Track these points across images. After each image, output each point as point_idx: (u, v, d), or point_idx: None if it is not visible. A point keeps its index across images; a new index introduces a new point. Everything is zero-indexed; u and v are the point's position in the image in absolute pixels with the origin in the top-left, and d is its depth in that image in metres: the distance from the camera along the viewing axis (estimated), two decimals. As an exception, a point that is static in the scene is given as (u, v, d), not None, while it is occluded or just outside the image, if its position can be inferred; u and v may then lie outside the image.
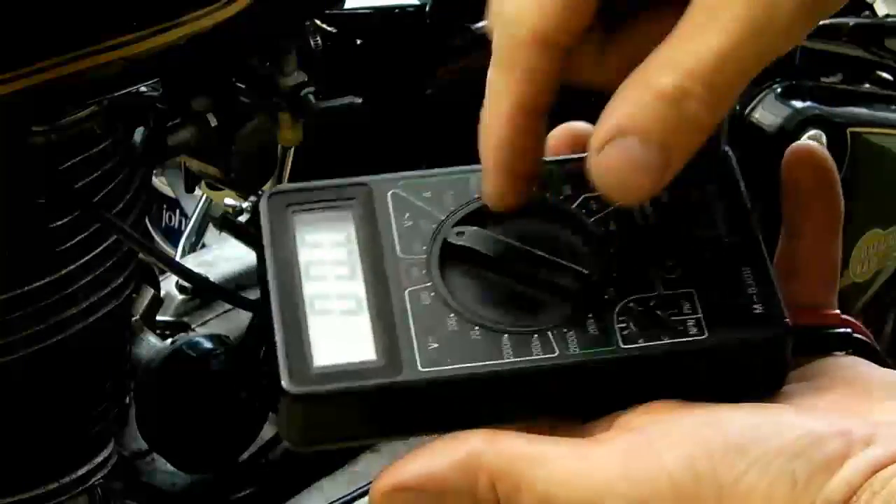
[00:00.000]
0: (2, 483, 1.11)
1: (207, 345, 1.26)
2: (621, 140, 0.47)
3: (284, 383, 0.49)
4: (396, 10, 1.36)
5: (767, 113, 1.64)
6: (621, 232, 0.53)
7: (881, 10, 1.88)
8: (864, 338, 0.54)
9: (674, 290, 0.51)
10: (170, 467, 1.30)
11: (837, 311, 0.54)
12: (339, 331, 0.50)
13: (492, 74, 0.50)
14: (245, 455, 1.32)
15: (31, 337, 1.03)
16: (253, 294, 1.43)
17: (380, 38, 1.35)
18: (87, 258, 1.05)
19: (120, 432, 1.25)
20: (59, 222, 1.03)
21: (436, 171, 0.55)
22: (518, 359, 0.49)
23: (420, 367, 0.49)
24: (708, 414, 0.47)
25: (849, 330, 0.53)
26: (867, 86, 1.82)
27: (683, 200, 0.53)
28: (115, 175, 1.07)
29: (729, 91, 0.47)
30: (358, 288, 0.51)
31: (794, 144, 0.54)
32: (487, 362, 0.49)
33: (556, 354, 0.49)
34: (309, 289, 0.51)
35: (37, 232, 1.03)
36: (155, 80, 1.12)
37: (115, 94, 1.02)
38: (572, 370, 0.49)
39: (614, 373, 0.49)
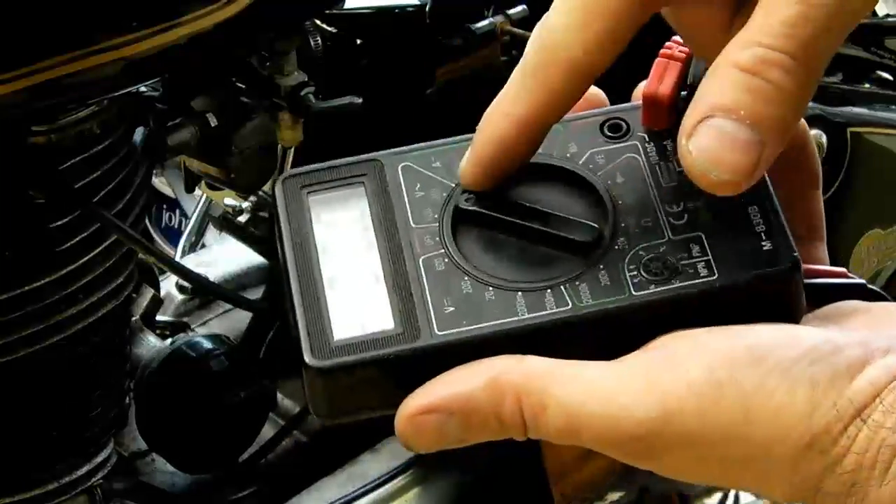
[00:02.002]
0: (2, 483, 1.11)
1: (207, 345, 1.26)
2: (711, 120, 0.47)
3: (306, 358, 0.50)
4: (396, 10, 1.36)
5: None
6: (628, 183, 0.53)
7: (881, 10, 1.88)
8: (878, 290, 0.54)
9: (682, 234, 0.51)
10: (170, 467, 1.30)
11: (842, 269, 0.54)
12: (356, 303, 0.51)
13: (517, 76, 0.51)
14: (245, 455, 1.32)
15: (31, 337, 1.03)
16: (253, 294, 1.43)
17: (380, 38, 1.35)
18: (87, 258, 1.05)
19: (120, 432, 1.25)
20: (59, 222, 1.03)
21: (444, 140, 0.56)
22: (533, 314, 0.50)
23: (437, 331, 0.50)
24: (726, 331, 0.48)
25: (863, 281, 0.54)
26: (867, 86, 1.82)
27: None
28: (115, 175, 1.07)
29: (808, 53, 0.47)
30: (374, 260, 0.52)
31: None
32: (503, 320, 0.50)
33: (569, 307, 0.50)
34: (326, 265, 0.52)
35: (37, 232, 1.03)
36: (155, 80, 1.12)
37: (115, 94, 1.02)
38: (586, 321, 0.50)
39: (628, 320, 0.50)
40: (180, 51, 0.99)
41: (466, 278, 0.51)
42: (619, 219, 0.52)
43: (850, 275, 0.54)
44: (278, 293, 1.39)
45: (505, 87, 0.51)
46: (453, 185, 0.54)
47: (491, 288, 0.51)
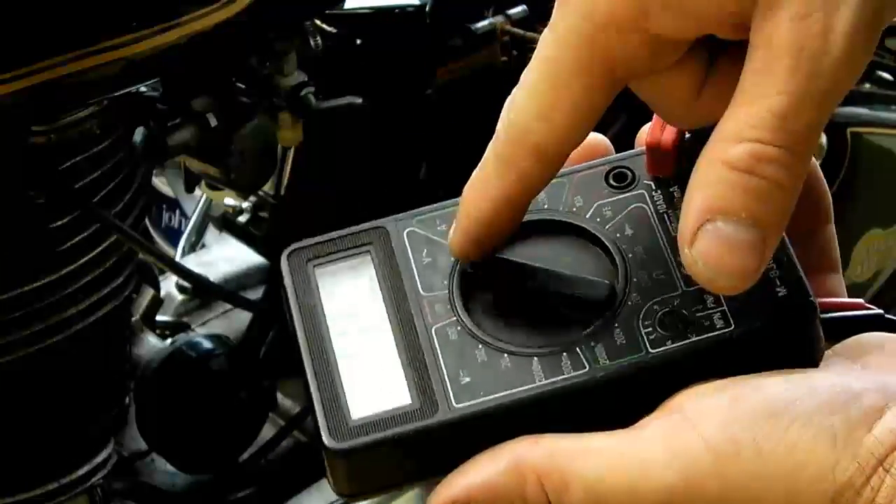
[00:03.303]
0: (2, 483, 1.11)
1: (207, 345, 1.26)
2: (710, 225, 0.46)
3: (325, 440, 0.50)
4: (396, 10, 1.36)
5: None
6: (637, 235, 0.52)
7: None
8: None
9: (695, 285, 0.50)
10: (170, 467, 1.30)
11: (860, 300, 0.54)
12: (372, 379, 0.51)
13: (489, 158, 0.51)
14: (245, 455, 1.32)
15: (31, 337, 1.03)
16: (253, 294, 1.43)
17: (380, 38, 1.35)
18: (87, 258, 1.05)
19: (120, 432, 1.25)
20: (59, 222, 1.03)
21: (447, 202, 0.55)
22: (550, 380, 0.50)
23: (455, 405, 0.50)
24: (741, 384, 0.48)
25: (881, 311, 0.53)
26: (867, 86, 1.82)
27: None
28: (115, 175, 1.07)
29: (801, 143, 0.46)
30: (386, 332, 0.52)
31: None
32: (520, 388, 0.50)
33: (587, 370, 0.50)
34: (338, 340, 0.52)
35: (37, 232, 1.03)
36: (155, 80, 1.12)
37: (115, 94, 1.02)
38: (605, 383, 0.49)
39: (647, 378, 0.49)
40: (180, 51, 1.00)
41: (480, 346, 0.51)
42: (631, 273, 0.51)
43: (867, 306, 0.53)
44: (278, 293, 1.39)
45: (481, 162, 0.51)
46: None
47: (506, 355, 0.50)
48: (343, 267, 0.54)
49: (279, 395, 1.39)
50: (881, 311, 0.53)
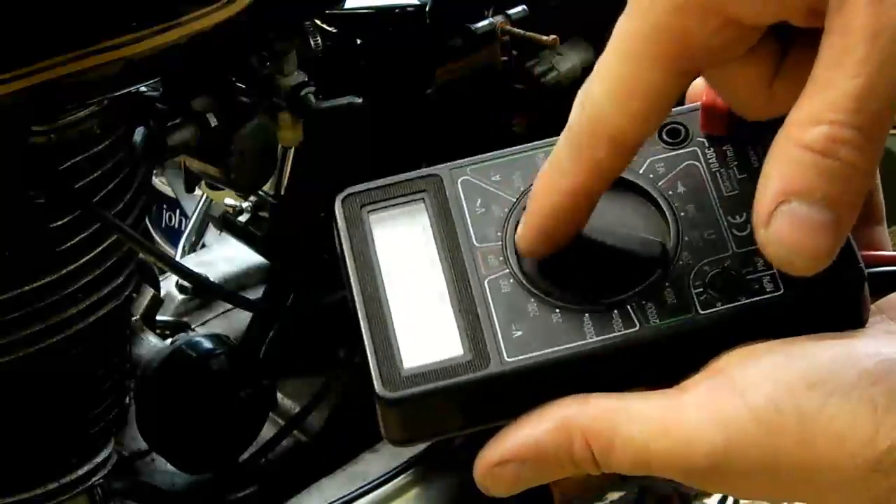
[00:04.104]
0: (2, 483, 1.11)
1: (207, 345, 1.26)
2: (786, 206, 0.46)
3: (378, 389, 0.50)
4: (396, 10, 1.36)
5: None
6: (689, 193, 0.53)
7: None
8: None
9: (746, 247, 0.51)
10: (170, 467, 1.30)
11: None
12: (424, 328, 0.51)
13: (562, 149, 0.51)
14: (245, 455, 1.32)
15: (31, 337, 1.03)
16: (253, 294, 1.43)
17: (380, 38, 1.35)
18: (87, 258, 1.05)
19: (120, 432, 1.25)
20: (59, 222, 1.03)
21: (503, 151, 0.55)
22: (601, 337, 0.50)
23: (507, 357, 0.50)
24: (786, 349, 0.48)
25: None
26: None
27: (746, 152, 0.53)
28: (115, 175, 1.07)
29: (876, 127, 0.46)
30: (439, 282, 0.52)
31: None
32: (571, 344, 0.50)
33: (637, 329, 0.50)
34: (391, 288, 0.52)
35: (37, 232, 1.03)
36: (155, 80, 1.12)
37: (115, 94, 1.02)
38: (654, 343, 0.50)
39: (695, 339, 0.50)
40: (180, 51, 0.99)
41: (532, 300, 0.51)
42: (683, 232, 0.52)
43: None
44: (278, 293, 1.39)
45: (552, 155, 0.51)
46: (514, 200, 0.54)
47: (558, 310, 0.51)
48: (396, 214, 0.54)
49: (279, 395, 1.39)
50: None
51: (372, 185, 0.55)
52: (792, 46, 0.50)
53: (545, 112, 1.46)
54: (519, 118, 1.45)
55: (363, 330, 0.51)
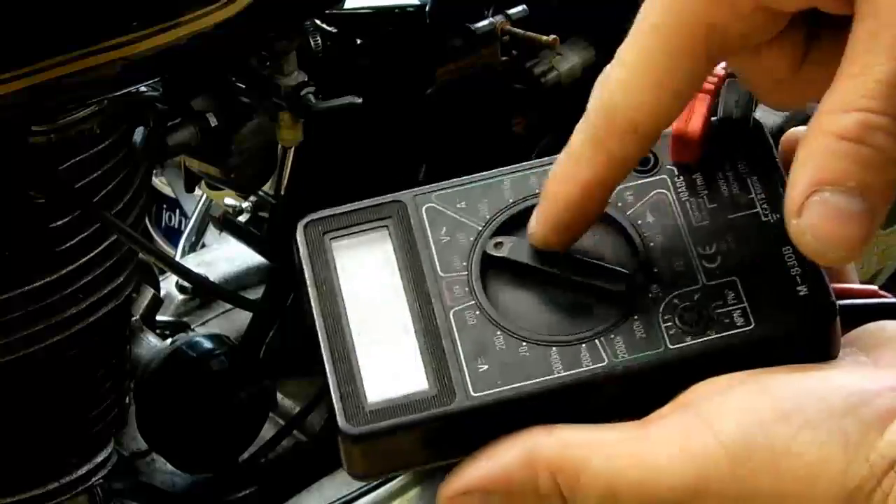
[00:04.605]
0: (2, 483, 1.11)
1: (207, 345, 1.26)
2: (818, 195, 0.45)
3: (341, 424, 0.49)
4: (396, 10, 1.36)
5: (767, 113, 1.64)
6: (658, 222, 0.52)
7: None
8: None
9: (716, 280, 0.50)
10: (170, 467, 1.30)
11: (874, 287, 0.54)
12: (388, 361, 0.50)
13: (578, 141, 0.50)
14: (245, 455, 1.32)
15: (31, 337, 1.03)
16: (253, 294, 1.43)
17: (380, 38, 1.35)
18: (87, 258, 1.05)
19: (120, 432, 1.25)
20: (59, 222, 1.03)
21: (468, 178, 0.54)
22: (568, 372, 0.49)
23: (472, 392, 0.49)
24: (756, 382, 0.47)
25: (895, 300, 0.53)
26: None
27: (717, 180, 0.52)
28: (115, 175, 1.07)
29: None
30: (403, 313, 0.51)
31: (786, 133, 0.54)
32: (538, 379, 0.49)
33: (605, 363, 0.49)
34: (354, 319, 0.51)
35: (37, 232, 1.03)
36: (155, 80, 1.12)
37: (115, 94, 1.02)
38: (623, 377, 0.49)
39: (665, 374, 0.49)
40: (180, 51, 0.99)
41: (499, 333, 0.50)
42: (652, 263, 0.51)
43: (881, 293, 0.53)
44: (278, 293, 1.39)
45: (568, 145, 0.50)
46: (479, 228, 0.52)
47: (525, 343, 0.50)
48: (360, 241, 0.53)
49: (279, 395, 1.39)
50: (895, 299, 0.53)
51: (335, 210, 0.53)
52: (820, 33, 0.49)
53: (545, 112, 1.46)
54: (519, 118, 1.45)
55: (325, 362, 0.50)
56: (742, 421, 0.46)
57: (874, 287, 0.53)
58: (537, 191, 0.52)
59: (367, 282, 0.52)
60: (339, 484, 1.31)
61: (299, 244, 0.53)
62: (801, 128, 0.52)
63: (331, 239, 0.53)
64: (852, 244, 0.45)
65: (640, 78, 0.48)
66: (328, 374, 0.50)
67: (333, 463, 1.34)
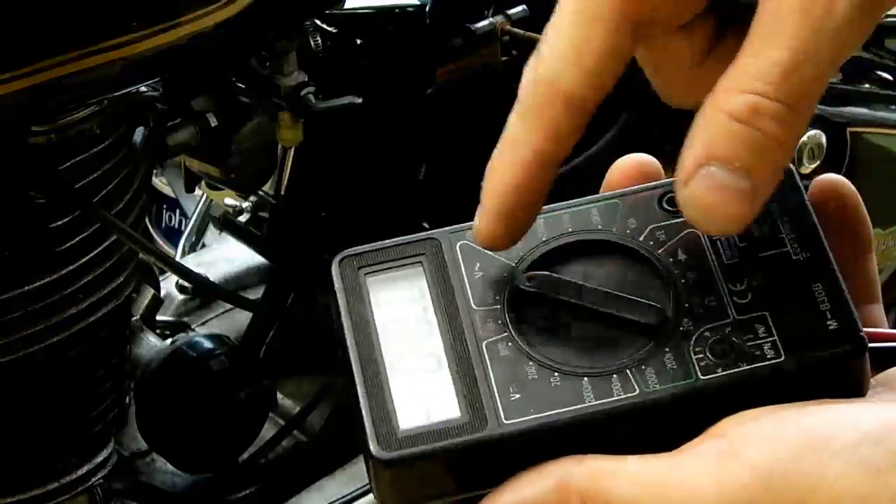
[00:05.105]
0: (2, 483, 1.11)
1: (207, 345, 1.26)
2: (706, 169, 0.46)
3: (373, 449, 0.49)
4: (396, 10, 1.36)
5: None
6: (690, 260, 0.53)
7: (881, 10, 1.87)
8: None
9: (747, 314, 0.51)
10: (170, 467, 1.30)
11: None
12: (421, 390, 0.51)
13: (514, 121, 0.50)
14: (245, 455, 1.32)
15: (31, 337, 1.03)
16: (253, 294, 1.43)
17: (380, 38, 1.35)
18: (87, 258, 1.05)
19: (120, 432, 1.25)
20: (59, 222, 1.03)
21: None
22: (600, 401, 0.50)
23: (504, 420, 0.50)
24: (787, 412, 0.48)
25: None
26: (867, 86, 1.82)
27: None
28: (115, 175, 1.07)
29: (801, 102, 0.47)
30: (436, 344, 0.52)
31: (818, 178, 0.55)
32: (570, 408, 0.50)
33: (636, 393, 0.50)
34: (388, 350, 0.52)
35: (37, 232, 1.03)
36: (155, 80, 1.12)
37: (115, 94, 1.02)
38: (654, 407, 0.50)
39: (696, 405, 0.50)
40: (180, 51, 1.00)
41: (531, 363, 0.51)
42: (683, 298, 0.51)
43: None
44: (278, 293, 1.39)
45: (504, 132, 0.50)
46: (513, 265, 0.53)
47: (556, 374, 0.50)
48: (395, 277, 0.54)
49: (279, 395, 1.39)
50: None
51: (369, 247, 0.54)
52: (727, 32, 0.51)
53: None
54: (519, 118, 1.45)
55: (359, 392, 0.51)
56: (773, 450, 0.46)
57: None
58: (570, 228, 0.54)
59: (400, 315, 0.53)
60: (339, 484, 1.31)
61: (334, 278, 0.54)
62: None
63: (365, 274, 0.54)
64: (730, 219, 0.47)
65: (568, 46, 0.49)
66: (361, 402, 0.51)
67: (333, 463, 1.34)
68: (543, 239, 0.54)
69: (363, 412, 0.50)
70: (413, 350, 0.52)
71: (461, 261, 0.54)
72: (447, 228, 0.55)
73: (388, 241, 0.54)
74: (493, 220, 0.51)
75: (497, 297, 0.53)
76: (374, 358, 0.52)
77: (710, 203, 0.47)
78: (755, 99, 0.46)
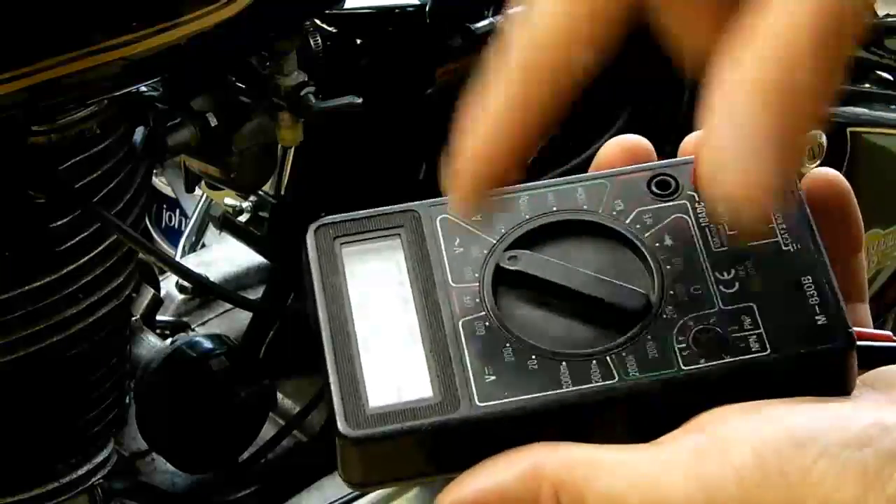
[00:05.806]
0: (2, 483, 1.11)
1: (207, 345, 1.26)
2: (733, 149, 0.43)
3: (340, 426, 0.48)
4: (396, 10, 1.36)
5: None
6: (677, 246, 0.51)
7: (881, 9, 1.88)
8: None
9: (733, 305, 0.49)
10: (170, 467, 1.30)
11: (889, 332, 0.53)
12: (393, 367, 0.49)
13: (490, 69, 0.48)
14: (245, 455, 1.32)
15: (31, 337, 1.03)
16: (253, 294, 1.43)
17: (380, 38, 1.35)
18: (87, 258, 1.05)
19: (120, 432, 1.25)
20: (59, 222, 1.03)
21: None
22: (577, 387, 0.48)
23: (478, 402, 0.48)
24: (772, 409, 0.47)
25: None
26: (867, 86, 1.82)
27: None
28: (115, 175, 1.07)
29: (829, 63, 0.44)
30: (411, 320, 0.50)
31: (812, 171, 0.53)
32: (546, 393, 0.48)
33: (615, 381, 0.48)
34: (361, 324, 0.50)
35: (37, 232, 1.03)
36: (155, 80, 1.12)
37: (115, 94, 1.02)
38: (633, 396, 0.48)
39: (676, 395, 0.48)
40: (180, 51, 1.00)
41: (508, 345, 0.49)
42: (668, 285, 0.50)
43: (895, 338, 0.53)
44: (278, 293, 1.39)
45: (484, 89, 0.48)
46: (494, 241, 0.51)
47: (534, 356, 0.49)
48: (371, 248, 0.52)
49: (279, 395, 1.39)
50: None
51: (347, 216, 0.53)
52: None
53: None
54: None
55: (328, 364, 0.49)
56: (757, 448, 0.45)
57: (889, 333, 0.53)
58: (555, 207, 0.52)
59: (375, 288, 0.51)
60: (339, 484, 1.31)
61: (308, 247, 0.52)
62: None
63: (341, 244, 0.52)
64: (758, 193, 0.44)
65: (559, 19, 0.47)
66: (330, 377, 0.49)
67: (333, 463, 1.34)
68: (527, 217, 0.52)
69: (332, 387, 0.49)
70: (387, 325, 0.50)
71: (441, 235, 0.52)
72: (428, 201, 0.53)
73: (366, 211, 0.53)
74: (474, 173, 0.49)
75: (476, 275, 0.51)
76: (346, 331, 0.50)
77: (736, 174, 0.43)
78: (778, 64, 0.43)
